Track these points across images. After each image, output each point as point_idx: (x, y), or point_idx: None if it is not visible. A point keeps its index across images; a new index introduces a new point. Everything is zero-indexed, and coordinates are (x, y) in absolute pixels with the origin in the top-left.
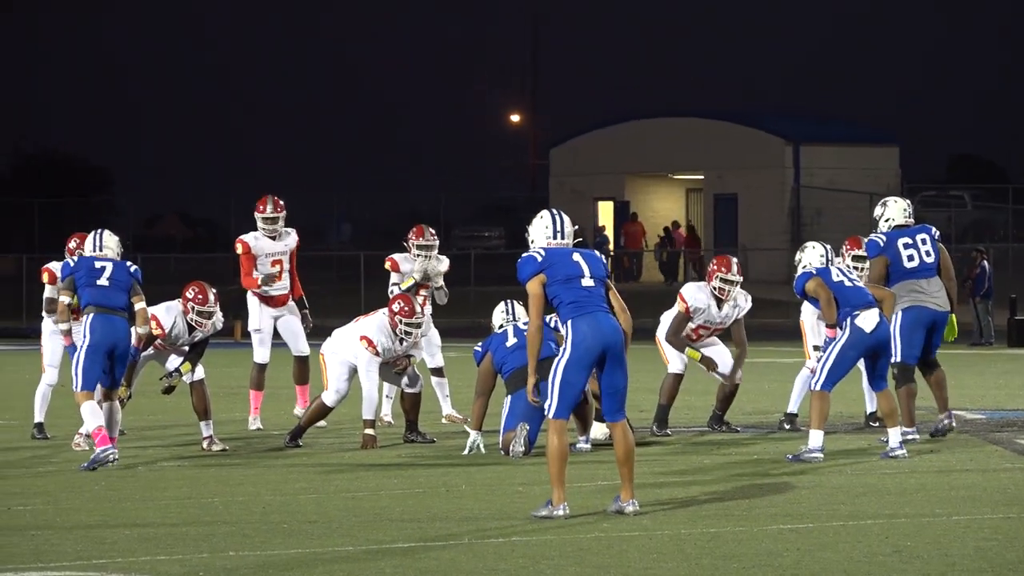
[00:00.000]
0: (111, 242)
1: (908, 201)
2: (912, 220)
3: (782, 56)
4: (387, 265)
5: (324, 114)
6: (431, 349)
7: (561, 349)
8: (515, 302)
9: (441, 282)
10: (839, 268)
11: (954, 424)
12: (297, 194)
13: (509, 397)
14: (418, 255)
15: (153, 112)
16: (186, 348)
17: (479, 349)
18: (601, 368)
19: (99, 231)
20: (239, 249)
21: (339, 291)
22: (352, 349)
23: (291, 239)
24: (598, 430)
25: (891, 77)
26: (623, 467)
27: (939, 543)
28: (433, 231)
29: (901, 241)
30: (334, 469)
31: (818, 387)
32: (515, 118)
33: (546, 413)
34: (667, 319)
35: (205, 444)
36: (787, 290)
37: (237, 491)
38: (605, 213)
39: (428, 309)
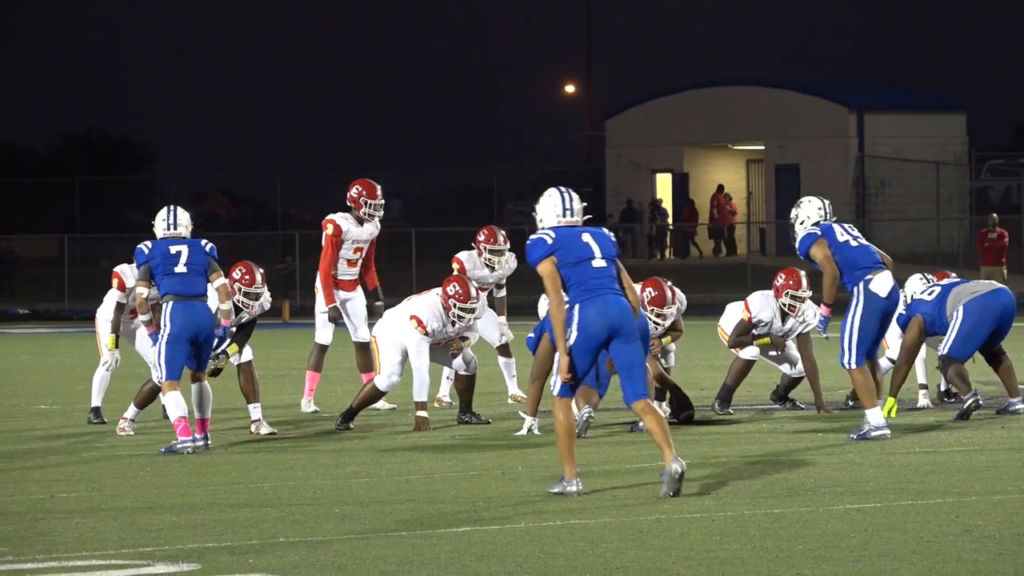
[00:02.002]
0: (184, 219)
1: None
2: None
3: (844, 22)
4: (454, 266)
5: (373, 89)
6: (493, 330)
7: (568, 331)
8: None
9: (503, 292)
10: (843, 226)
11: None
12: (345, 170)
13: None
14: (488, 261)
15: (196, 89)
16: (234, 329)
17: (532, 336)
18: (607, 347)
19: (172, 208)
20: (328, 230)
21: (390, 269)
22: (403, 330)
23: (375, 227)
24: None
25: (957, 42)
26: (660, 440)
27: (1011, 521)
28: (504, 234)
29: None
30: (386, 452)
31: (852, 364)
32: (570, 88)
33: (552, 390)
34: (731, 313)
35: (253, 428)
36: None
37: (287, 475)
38: (663, 185)
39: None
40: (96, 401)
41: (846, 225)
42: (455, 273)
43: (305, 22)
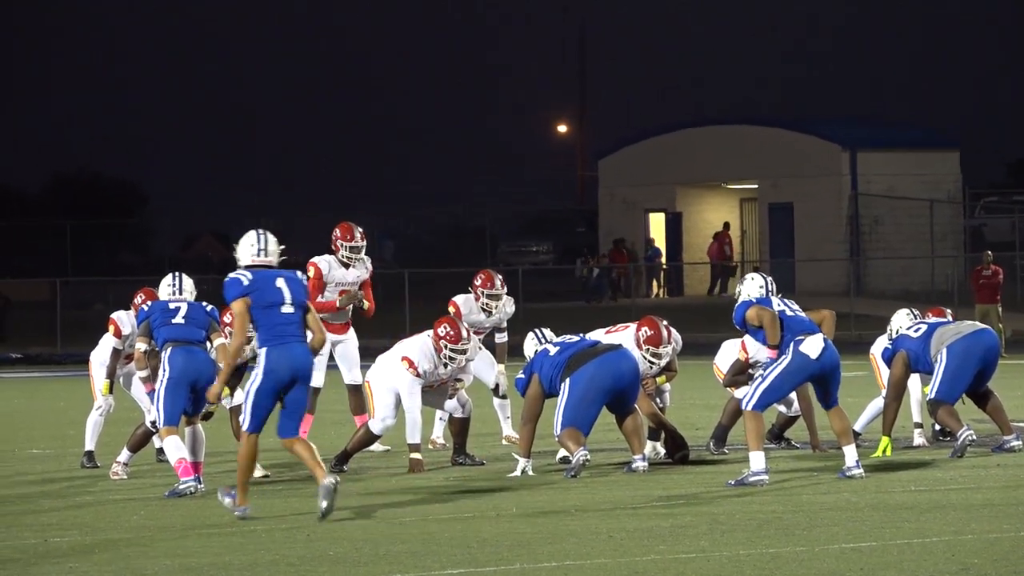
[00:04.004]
0: (188, 285)
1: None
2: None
3: (834, 60)
4: (450, 309)
5: (361, 128)
6: (488, 371)
7: (254, 373)
8: (543, 330)
9: (504, 337)
10: (779, 299)
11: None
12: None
13: (567, 383)
14: (485, 306)
15: (184, 130)
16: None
17: (522, 377)
18: (287, 391)
19: (177, 274)
20: (310, 272)
21: (382, 310)
22: (395, 373)
23: (364, 270)
24: (648, 448)
25: (951, 78)
26: (311, 464)
27: (1008, 560)
28: (501, 278)
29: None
30: (381, 494)
31: (750, 407)
32: (562, 128)
33: (242, 427)
34: (727, 351)
35: None
36: (846, 301)
37: (281, 519)
38: (656, 225)
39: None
40: (89, 445)
41: (786, 300)
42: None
43: (288, 64)
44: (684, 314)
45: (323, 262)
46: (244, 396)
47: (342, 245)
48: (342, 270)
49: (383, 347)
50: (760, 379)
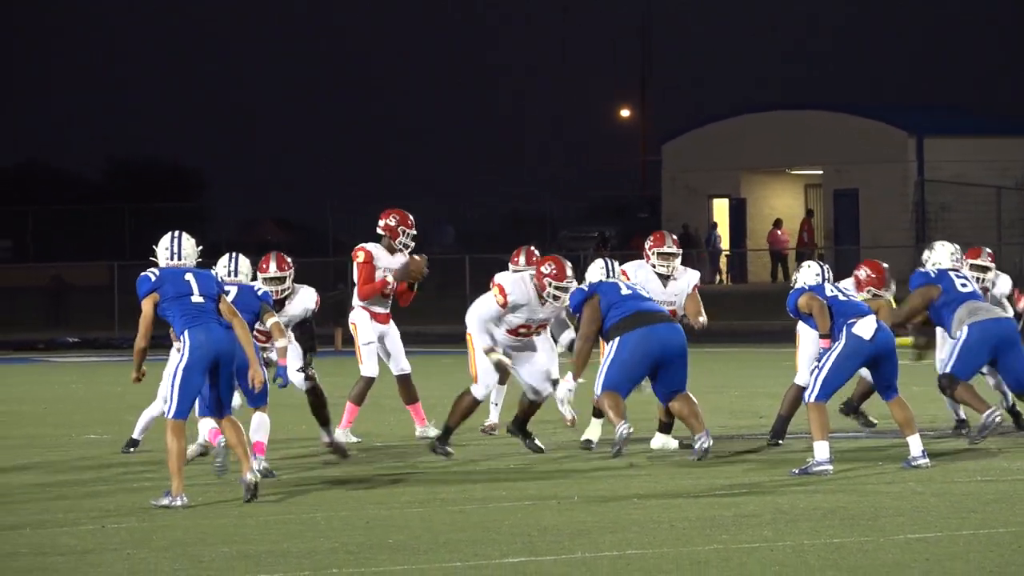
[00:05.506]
0: (244, 267)
1: (956, 246)
2: (960, 264)
3: (903, 44)
4: (494, 290)
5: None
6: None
7: (180, 354)
8: (614, 263)
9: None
10: (835, 285)
11: None
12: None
13: (616, 342)
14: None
15: (247, 114)
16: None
17: (581, 289)
18: (216, 373)
19: (233, 255)
20: (360, 257)
21: (443, 296)
22: (482, 303)
23: (404, 257)
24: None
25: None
26: (240, 452)
27: None
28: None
29: (953, 273)
30: (440, 481)
31: (812, 399)
32: (625, 113)
33: (166, 414)
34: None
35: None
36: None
37: (339, 505)
38: (720, 211)
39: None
40: (138, 435)
41: (839, 285)
42: (496, 291)
43: (350, 49)
44: (744, 301)
45: (372, 247)
46: (171, 379)
47: (402, 231)
48: (388, 256)
49: (443, 334)
50: (818, 369)
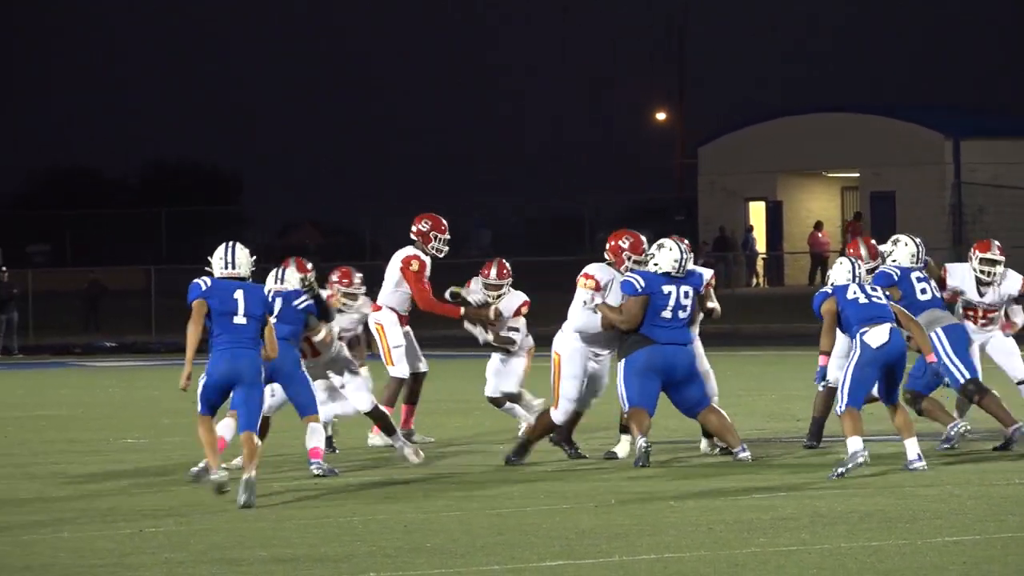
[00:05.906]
0: (291, 276)
1: (920, 241)
2: (921, 263)
3: (940, 46)
4: (584, 281)
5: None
6: (510, 378)
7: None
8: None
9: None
10: (859, 285)
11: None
12: (433, 200)
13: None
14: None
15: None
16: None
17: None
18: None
19: (280, 269)
20: (413, 266)
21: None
22: (576, 302)
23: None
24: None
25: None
26: (209, 452)
27: None
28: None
29: (914, 275)
30: (478, 484)
31: (843, 409)
32: (661, 116)
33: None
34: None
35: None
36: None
37: (377, 509)
38: (756, 213)
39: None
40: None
41: (866, 285)
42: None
43: (385, 52)
44: (781, 304)
45: (421, 255)
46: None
47: (436, 237)
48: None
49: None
50: (841, 381)
